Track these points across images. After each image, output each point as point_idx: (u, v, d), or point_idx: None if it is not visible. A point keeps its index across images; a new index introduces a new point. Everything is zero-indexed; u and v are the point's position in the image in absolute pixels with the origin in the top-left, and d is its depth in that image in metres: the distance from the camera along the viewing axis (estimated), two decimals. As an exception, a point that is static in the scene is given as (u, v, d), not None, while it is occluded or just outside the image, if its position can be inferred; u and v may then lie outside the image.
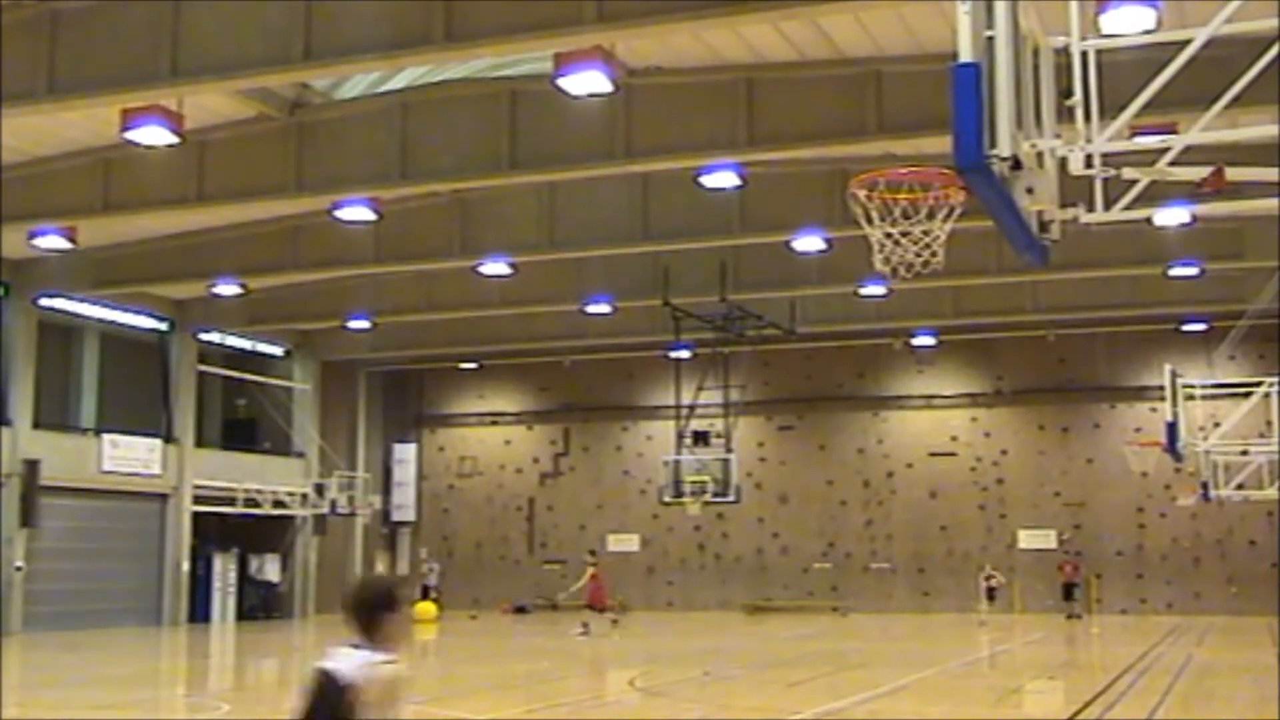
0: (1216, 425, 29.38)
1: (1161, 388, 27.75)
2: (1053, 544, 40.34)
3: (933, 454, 41.80)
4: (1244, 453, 29.92)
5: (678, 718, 15.90)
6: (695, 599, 42.96)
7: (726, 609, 42.04)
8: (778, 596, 42.33)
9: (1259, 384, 28.66)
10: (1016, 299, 33.80)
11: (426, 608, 38.76)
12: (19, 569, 31.65)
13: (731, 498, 35.19)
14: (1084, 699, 17.00)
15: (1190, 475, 32.90)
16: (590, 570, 32.23)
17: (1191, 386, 28.33)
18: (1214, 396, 29.89)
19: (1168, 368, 27.48)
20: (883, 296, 32.93)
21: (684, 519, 40.40)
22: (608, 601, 31.58)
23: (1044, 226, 7.22)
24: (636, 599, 43.36)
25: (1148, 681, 19.69)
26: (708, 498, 34.80)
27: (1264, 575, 37.35)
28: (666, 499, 35.93)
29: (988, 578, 37.33)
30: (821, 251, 28.56)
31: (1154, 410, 35.24)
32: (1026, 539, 40.64)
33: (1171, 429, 26.63)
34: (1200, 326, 36.89)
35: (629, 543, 43.95)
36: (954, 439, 41.84)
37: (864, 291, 32.15)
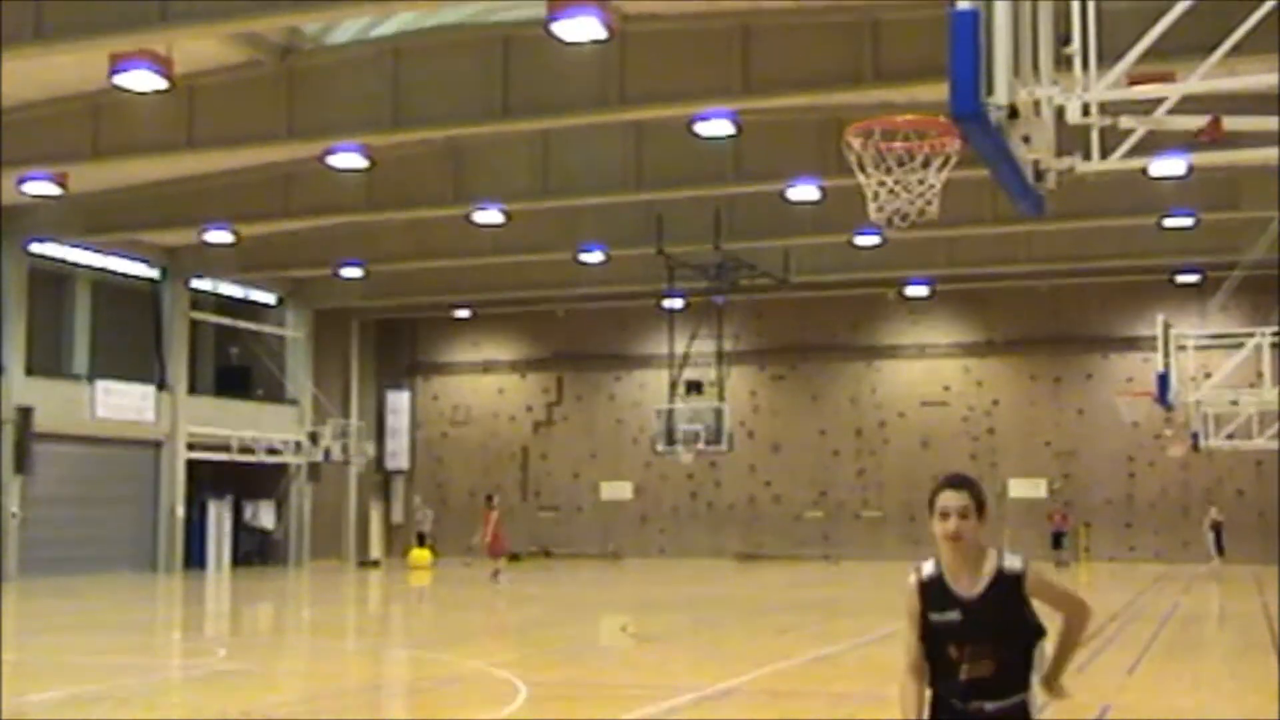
0: (1208, 376, 29.47)
1: (1154, 338, 27.83)
2: (1043, 493, 40.56)
3: (925, 404, 41.91)
4: (1234, 403, 30.03)
5: (669, 663, 16.02)
6: (687, 547, 43.16)
7: (718, 557, 42.25)
8: (769, 544, 42.54)
9: (1251, 335, 28.74)
10: (1011, 249, 33.77)
11: (421, 555, 38.91)
12: (14, 516, 31.73)
13: (724, 446, 35.30)
14: (1073, 646, 17.11)
15: (1181, 425, 33.04)
16: (489, 516, 31.20)
17: (1184, 337, 28.42)
18: (1206, 347, 29.96)
19: (1160, 318, 27.54)
20: (877, 246, 32.87)
21: (677, 467, 40.51)
22: (502, 549, 30.54)
23: (1040, 176, 7.21)
24: (629, 547, 43.59)
25: (1134, 629, 19.85)
26: (700, 446, 34.92)
27: (1252, 525, 37.55)
28: (659, 448, 36.04)
29: (1214, 523, 34.06)
30: (816, 201, 28.49)
31: (1146, 361, 35.30)
32: (1017, 488, 40.83)
33: (1163, 379, 26.73)
34: (1194, 277, 36.90)
35: (622, 491, 44.12)
36: (946, 389, 41.95)
37: (858, 241, 32.09)
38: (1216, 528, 34.54)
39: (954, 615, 4.72)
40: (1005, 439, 41.28)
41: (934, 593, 4.80)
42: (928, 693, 4.79)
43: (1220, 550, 34.31)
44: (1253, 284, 31.06)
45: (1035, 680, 4.82)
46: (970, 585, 4.75)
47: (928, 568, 4.84)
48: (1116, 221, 30.48)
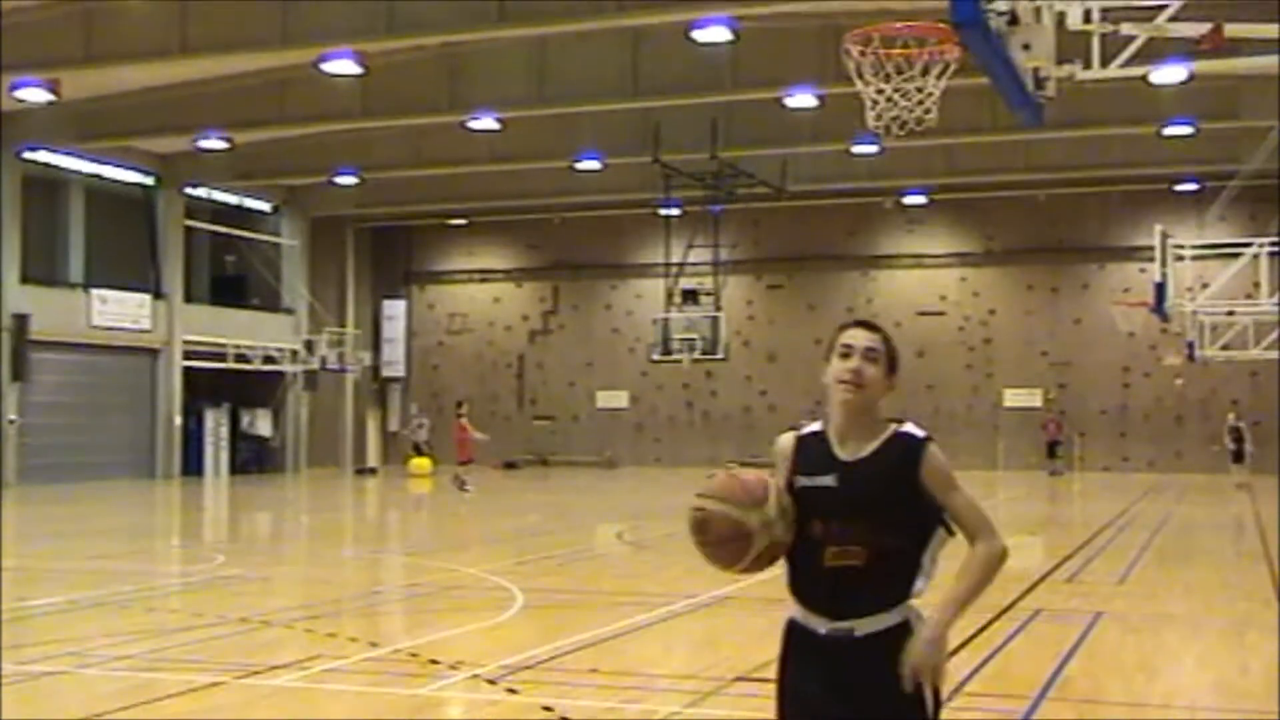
0: (1205, 286, 29.46)
1: (1151, 248, 27.77)
2: (1038, 403, 40.71)
3: (921, 313, 41.92)
4: (1230, 313, 30.05)
5: (664, 570, 16.17)
6: (683, 455, 43.37)
7: (714, 465, 42.40)
8: (765, 453, 42.23)
9: (1248, 245, 28.68)
10: (1009, 158, 33.62)
11: (422, 463, 39.10)
12: (12, 423, 31.86)
13: (720, 356, 35.37)
14: (1063, 554, 17.31)
15: (1176, 335, 33.08)
16: (459, 423, 30.87)
17: (1181, 247, 28.36)
18: (1203, 257, 29.91)
19: (1158, 228, 27.47)
20: (875, 155, 32.72)
21: (673, 377, 40.60)
22: (470, 457, 30.73)
23: (1039, 83, 7.16)
24: (625, 455, 43.82)
25: (1127, 537, 20.03)
26: (696, 355, 34.99)
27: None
28: (655, 357, 36.11)
29: (1233, 431, 33.46)
30: (814, 108, 28.31)
31: (1143, 271, 35.31)
32: (1012, 398, 40.98)
33: (1159, 289, 26.73)
34: (1192, 187, 36.76)
35: (618, 400, 44.27)
36: (943, 298, 41.94)
37: (856, 150, 31.94)
38: (1236, 434, 33.83)
39: (828, 480, 3.78)
40: (1001, 349, 41.36)
41: (810, 452, 3.88)
42: (788, 607, 3.84)
43: (1239, 458, 33.48)
44: (1251, 193, 30.99)
45: (921, 586, 3.74)
46: (855, 448, 3.82)
47: (809, 426, 3.98)
48: (1116, 130, 30.30)
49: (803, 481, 3.83)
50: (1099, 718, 8.06)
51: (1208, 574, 16.02)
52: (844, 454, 3.82)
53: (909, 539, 3.72)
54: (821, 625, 3.72)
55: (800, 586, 3.80)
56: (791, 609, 3.83)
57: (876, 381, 3.83)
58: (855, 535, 3.68)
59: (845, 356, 3.83)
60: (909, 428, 3.84)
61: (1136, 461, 39.98)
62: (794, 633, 3.82)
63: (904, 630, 3.69)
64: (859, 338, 3.84)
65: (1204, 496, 29.81)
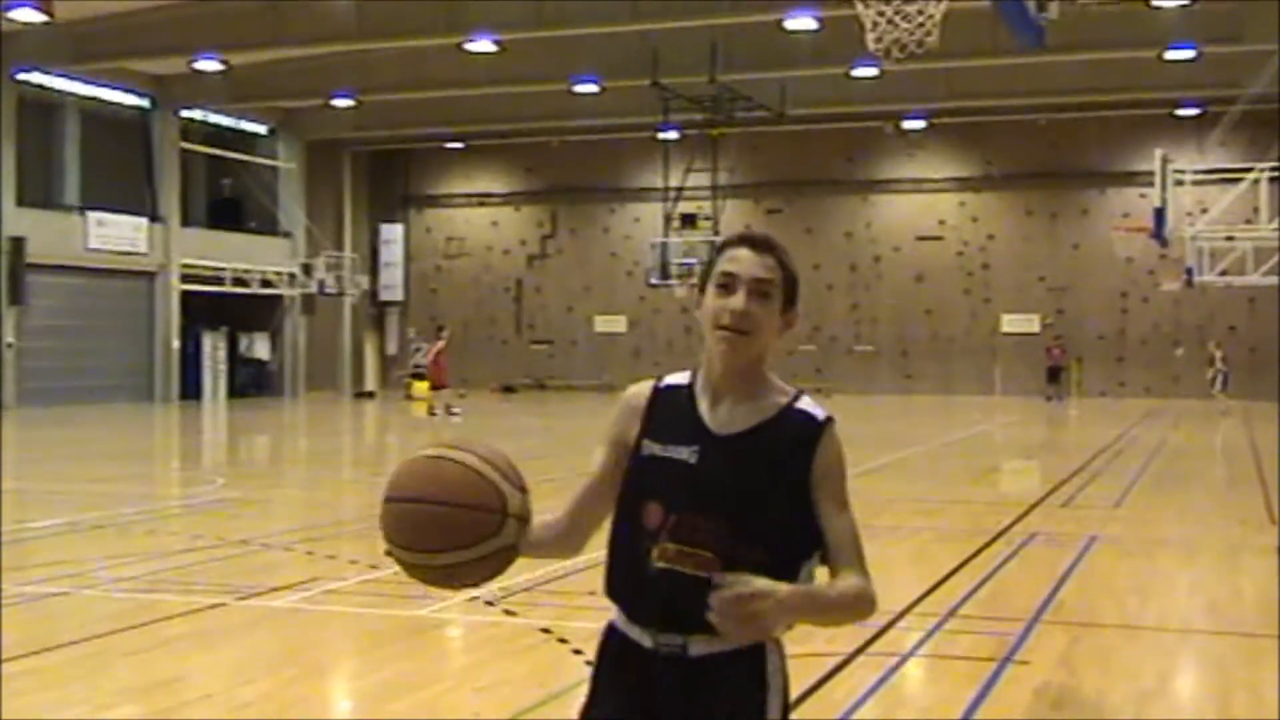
0: (1204, 211, 29.37)
1: (1152, 173, 27.66)
2: (1036, 328, 40.72)
3: (920, 238, 41.82)
4: (1229, 239, 29.98)
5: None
6: (681, 380, 43.40)
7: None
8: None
9: (1248, 170, 28.56)
10: (1010, 82, 33.37)
11: (422, 387, 39.17)
12: (10, 346, 31.87)
13: (718, 280, 35.28)
14: (1059, 478, 17.40)
15: (1175, 261, 33.00)
16: (437, 345, 30.19)
17: (1181, 172, 28.24)
18: (1203, 182, 29.80)
19: (1158, 153, 27.35)
20: (874, 78, 32.48)
21: (671, 301, 40.56)
22: (446, 381, 30.61)
23: (1042, 6, 7.10)
24: (623, 380, 43.84)
25: (1122, 462, 20.12)
26: (694, 280, 34.92)
27: (1242, 361, 37.74)
28: (653, 281, 36.05)
29: (1210, 359, 33.93)
30: (813, 31, 28.07)
31: (1143, 196, 35.16)
32: (1010, 323, 40.99)
33: (1159, 214, 26.66)
34: (1194, 111, 36.53)
35: (616, 324, 44.27)
36: (942, 223, 41.82)
37: (855, 73, 31.70)
38: (1211, 362, 34.24)
39: (685, 454, 2.78)
40: (1000, 274, 41.30)
41: (669, 411, 2.86)
42: (612, 614, 2.95)
43: (1213, 384, 33.93)
44: (1252, 118, 30.79)
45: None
46: (730, 416, 2.81)
47: (674, 376, 2.97)
48: (1117, 54, 30.07)
49: (651, 448, 2.82)
50: (1093, 640, 8.13)
51: (1202, 498, 16.12)
52: (714, 422, 2.81)
53: (776, 556, 2.71)
54: (646, 637, 2.80)
55: (620, 587, 2.89)
56: (613, 612, 2.92)
57: (767, 326, 2.85)
58: (706, 536, 2.71)
59: (726, 289, 2.83)
60: (806, 403, 2.84)
61: (1133, 387, 40.07)
62: (610, 642, 2.90)
63: (756, 656, 2.74)
64: (746, 263, 2.85)
65: (1200, 422, 29.91)
